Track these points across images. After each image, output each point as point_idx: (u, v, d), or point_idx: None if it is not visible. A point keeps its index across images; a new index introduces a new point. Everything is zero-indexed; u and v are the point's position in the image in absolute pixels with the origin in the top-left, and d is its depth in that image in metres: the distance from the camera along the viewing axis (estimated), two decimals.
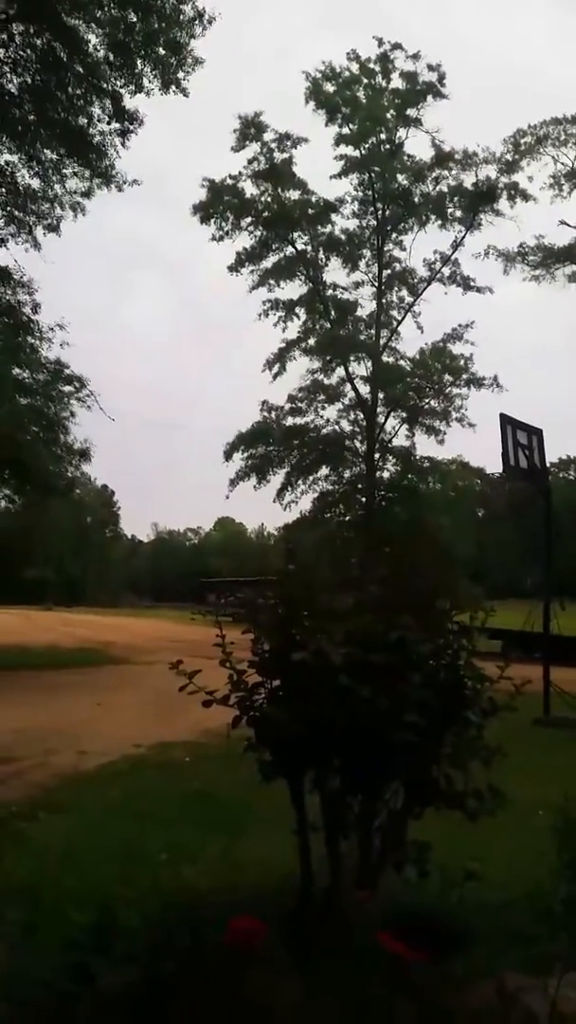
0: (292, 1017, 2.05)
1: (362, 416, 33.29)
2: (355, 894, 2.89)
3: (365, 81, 32.73)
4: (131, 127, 19.19)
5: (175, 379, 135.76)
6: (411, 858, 3.05)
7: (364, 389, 33.15)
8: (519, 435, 15.19)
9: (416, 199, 32.86)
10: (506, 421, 15.07)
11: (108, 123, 19.25)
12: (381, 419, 33.12)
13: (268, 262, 33.36)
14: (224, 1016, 2.10)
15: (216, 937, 2.35)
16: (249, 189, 32.45)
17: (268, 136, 31.82)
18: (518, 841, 4.57)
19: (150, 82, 18.62)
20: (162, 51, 18.35)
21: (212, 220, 32.48)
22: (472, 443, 40.50)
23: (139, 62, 18.49)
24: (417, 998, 2.05)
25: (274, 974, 2.16)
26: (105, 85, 18.68)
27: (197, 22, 18.14)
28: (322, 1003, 2.07)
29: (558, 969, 2.31)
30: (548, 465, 18.49)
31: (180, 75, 18.71)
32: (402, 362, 33.25)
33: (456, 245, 32.96)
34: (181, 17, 18.03)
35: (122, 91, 18.81)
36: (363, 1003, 2.04)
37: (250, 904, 3.06)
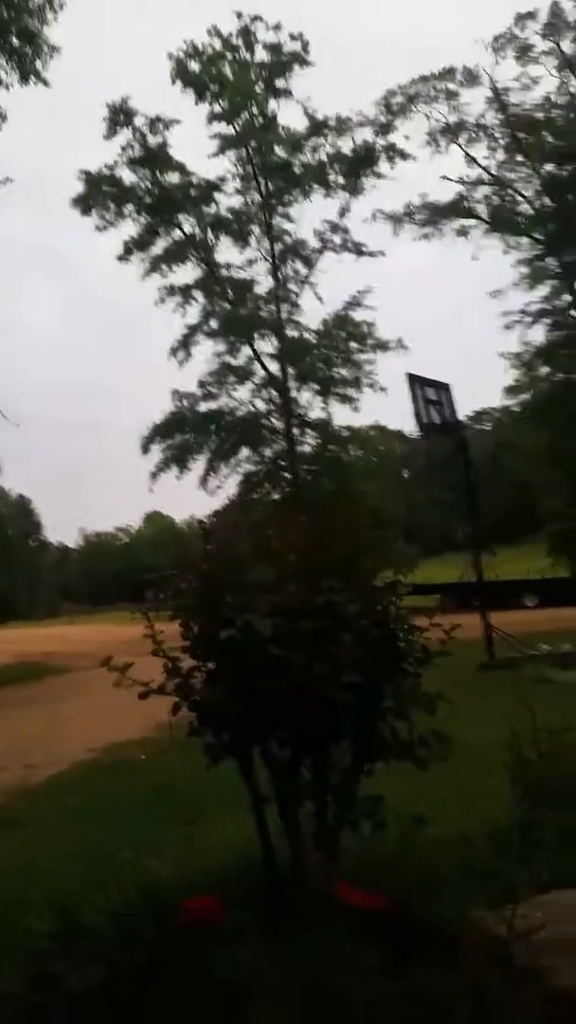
0: (260, 985, 2.05)
1: (276, 393, 33.29)
2: (316, 857, 2.91)
3: (229, 56, 32.41)
4: None
5: (83, 377, 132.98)
6: (366, 813, 3.09)
7: (273, 366, 33.15)
8: (428, 392, 15.45)
9: (297, 170, 32.81)
10: (413, 379, 15.32)
11: None
12: (294, 394, 33.20)
13: (157, 248, 32.94)
14: (194, 996, 2.09)
15: (179, 922, 2.33)
16: (127, 176, 31.90)
17: (139, 121, 31.30)
18: (474, 782, 4.68)
19: (7, 74, 18.06)
20: (16, 41, 17.79)
21: (93, 211, 31.84)
22: (387, 407, 40.97)
23: None
24: (382, 946, 2.08)
25: (238, 947, 2.16)
26: None
27: (48, 8, 17.64)
28: (290, 967, 2.08)
29: (520, 897, 2.38)
30: (461, 419, 18.84)
31: (38, 65, 18.19)
32: (307, 335, 33.32)
33: (343, 212, 33.12)
34: (30, 4, 17.50)
35: None
36: (330, 959, 2.06)
37: (216, 885, 3.06)
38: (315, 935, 2.19)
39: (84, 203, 31.78)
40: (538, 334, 34.72)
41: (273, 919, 2.47)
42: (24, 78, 18.23)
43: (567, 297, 34.16)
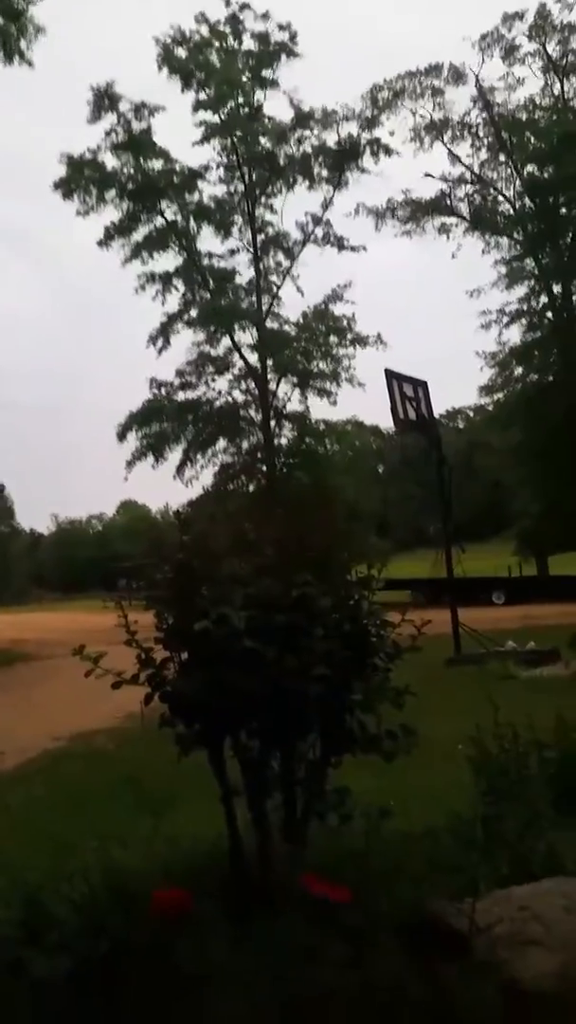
0: (224, 976, 2.08)
1: (254, 385, 33.25)
2: (283, 848, 2.94)
3: (216, 44, 32.21)
4: None
5: (60, 363, 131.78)
6: (333, 805, 3.13)
7: (252, 358, 33.11)
8: (405, 388, 15.54)
9: (281, 161, 32.74)
10: (391, 376, 15.39)
11: None
12: (273, 386, 33.17)
13: (139, 234, 32.72)
14: (159, 986, 2.11)
15: (146, 913, 2.35)
16: (110, 161, 31.64)
17: (124, 106, 31.03)
18: (440, 776, 4.73)
19: None
20: (0, 20, 17.56)
21: (75, 195, 31.55)
22: (364, 402, 41.10)
23: None
24: (344, 937, 2.11)
25: (203, 938, 2.18)
26: None
27: None
28: (252, 958, 2.10)
29: (481, 890, 2.42)
30: (437, 416, 18.96)
31: (23, 45, 17.97)
32: (286, 327, 33.30)
33: (326, 205, 33.13)
34: None
35: None
36: (292, 950, 2.09)
37: (182, 876, 3.08)
38: (278, 925, 2.21)
39: (66, 187, 31.51)
40: (514, 334, 35.00)
41: (239, 909, 2.49)
42: (8, 58, 18.01)
43: (544, 299, 34.43)
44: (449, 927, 2.19)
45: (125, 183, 31.86)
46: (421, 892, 2.42)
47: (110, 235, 32.32)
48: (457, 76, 33.39)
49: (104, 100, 30.82)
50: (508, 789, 3.48)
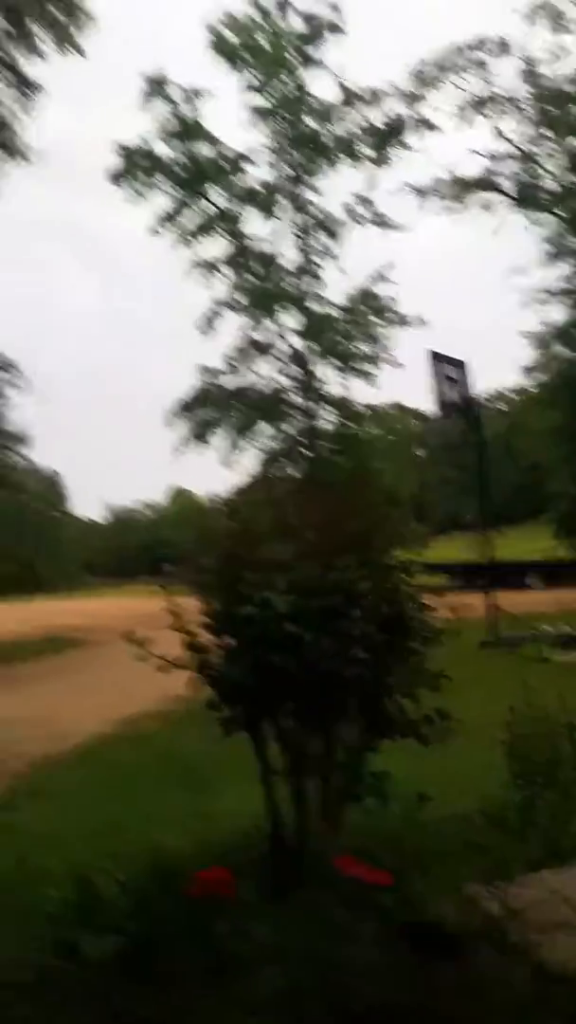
0: (264, 956, 2.12)
1: (298, 369, 33.15)
2: (321, 829, 2.97)
3: (264, 25, 31.97)
4: (30, 94, 18.49)
5: (109, 354, 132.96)
6: (371, 788, 3.15)
7: (296, 341, 32.96)
8: (447, 369, 15.34)
9: (326, 141, 32.42)
10: (434, 356, 15.20)
11: (9, 93, 18.51)
12: (315, 369, 33.02)
13: (187, 220, 32.74)
14: (203, 966, 2.16)
15: (188, 892, 2.40)
16: (161, 149, 31.69)
17: (174, 93, 31.01)
18: (473, 759, 4.71)
19: (44, 44, 17.93)
20: (54, 11, 17.66)
21: (127, 184, 31.71)
22: (404, 384, 40.57)
23: (32, 26, 17.78)
24: (380, 919, 2.13)
25: (244, 918, 2.22)
26: (2, 55, 17.96)
27: None
28: (292, 938, 2.14)
29: (515, 873, 2.42)
30: (477, 398, 18.68)
31: (74, 33, 18.04)
32: (329, 309, 33.07)
33: (370, 184, 32.69)
34: None
35: (19, 58, 18.09)
36: (330, 931, 2.12)
37: (225, 855, 3.14)
38: (315, 905, 2.25)
39: (119, 176, 31.63)
40: (559, 313, 34.15)
41: (277, 889, 2.53)
42: (61, 48, 18.08)
43: None
44: (482, 909, 2.20)
45: (175, 170, 31.91)
46: (455, 875, 2.42)
47: (161, 222, 32.44)
48: (503, 48, 32.56)
49: (155, 87, 30.86)
50: (540, 772, 3.46)
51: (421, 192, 32.88)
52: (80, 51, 18.32)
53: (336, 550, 3.38)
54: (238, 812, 3.83)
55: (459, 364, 15.75)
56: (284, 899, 2.51)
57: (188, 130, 31.33)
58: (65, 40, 18.03)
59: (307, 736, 3.29)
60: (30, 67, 18.29)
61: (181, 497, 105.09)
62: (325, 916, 2.30)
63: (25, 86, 18.39)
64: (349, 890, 2.31)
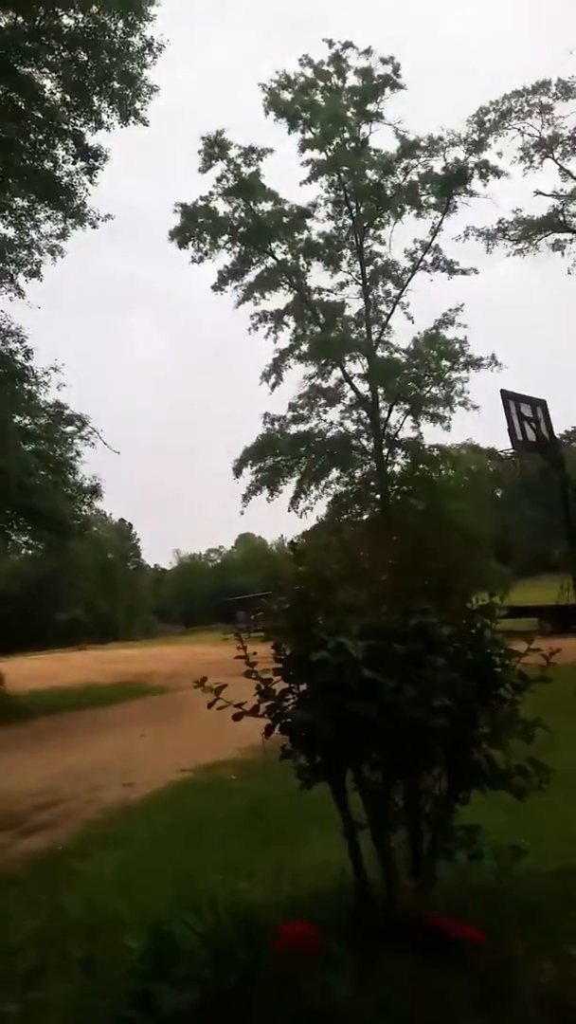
0: (352, 1013, 2.02)
1: (365, 414, 33.24)
2: (409, 885, 2.86)
3: (321, 84, 32.88)
4: (96, 163, 19.38)
5: (175, 403, 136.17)
6: (462, 842, 3.02)
7: (363, 387, 33.13)
8: (523, 408, 15.15)
9: (388, 192, 32.90)
10: (508, 396, 15.04)
11: (74, 163, 19.45)
12: (384, 414, 33.06)
13: (250, 276, 33.50)
14: (285, 1020, 2.07)
15: (271, 945, 2.33)
16: (222, 207, 32.64)
17: (233, 152, 32.01)
18: (570, 812, 4.51)
19: (108, 116, 18.81)
20: (116, 84, 18.51)
21: (189, 243, 32.67)
22: (481, 425, 40.26)
23: (95, 99, 18.70)
24: (475, 980, 2.02)
25: (330, 973, 2.14)
26: (66, 126, 18.88)
27: (147, 51, 18.32)
28: (380, 996, 2.04)
29: None
30: (557, 435, 18.33)
31: (137, 105, 18.87)
32: (397, 354, 33.18)
33: (435, 231, 32.95)
34: (130, 48, 18.20)
35: (83, 129, 19.01)
36: (422, 991, 2.02)
37: (307, 909, 3.04)
38: (406, 964, 2.15)
39: (181, 235, 32.64)
40: None
41: (365, 945, 2.44)
42: (124, 119, 18.94)
43: None
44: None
45: (236, 227, 32.80)
46: (554, 933, 2.29)
47: (224, 279, 33.25)
48: (566, 90, 32.73)
49: (215, 148, 31.93)
50: None
51: (488, 235, 33.04)
52: (144, 121, 19.11)
53: (412, 594, 3.31)
54: (320, 864, 3.73)
55: (539, 403, 15.55)
56: (370, 955, 2.41)
57: (247, 187, 32.19)
58: (128, 112, 18.86)
59: (389, 787, 3.19)
60: (96, 138, 19.17)
61: (247, 542, 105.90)
62: (413, 974, 2.20)
63: (90, 156, 19.27)
64: (439, 948, 2.20)
